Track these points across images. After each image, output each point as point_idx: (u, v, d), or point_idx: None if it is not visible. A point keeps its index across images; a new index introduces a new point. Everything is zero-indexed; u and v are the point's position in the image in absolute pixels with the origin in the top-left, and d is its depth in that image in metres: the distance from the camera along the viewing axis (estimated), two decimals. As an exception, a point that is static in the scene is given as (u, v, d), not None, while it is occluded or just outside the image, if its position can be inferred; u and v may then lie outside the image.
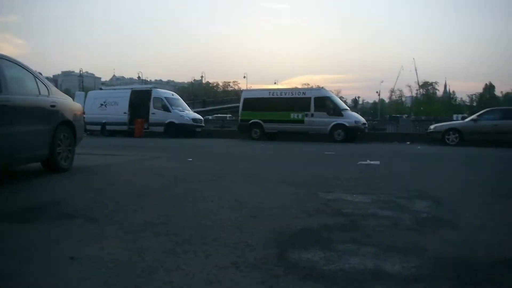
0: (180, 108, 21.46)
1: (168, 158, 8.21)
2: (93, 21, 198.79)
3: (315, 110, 17.34)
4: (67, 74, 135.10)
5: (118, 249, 2.52)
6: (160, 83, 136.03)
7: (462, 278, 2.09)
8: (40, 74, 6.14)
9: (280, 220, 3.22)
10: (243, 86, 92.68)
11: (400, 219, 3.26)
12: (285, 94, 18.49)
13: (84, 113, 6.93)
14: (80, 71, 71.92)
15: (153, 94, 21.49)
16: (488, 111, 15.98)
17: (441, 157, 9.80)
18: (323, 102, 17.53)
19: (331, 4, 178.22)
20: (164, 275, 2.09)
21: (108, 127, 22.31)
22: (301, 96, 18.04)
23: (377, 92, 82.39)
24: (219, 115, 53.21)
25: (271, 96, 18.71)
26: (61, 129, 5.96)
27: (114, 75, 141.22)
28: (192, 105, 49.32)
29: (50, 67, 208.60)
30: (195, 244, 2.61)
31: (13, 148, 4.86)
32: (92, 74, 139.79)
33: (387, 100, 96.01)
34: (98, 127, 22.62)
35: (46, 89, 5.81)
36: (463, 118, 22.18)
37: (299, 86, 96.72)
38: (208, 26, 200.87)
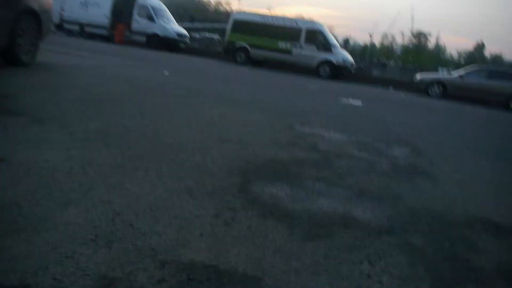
0: (166, 20, 20.25)
1: (143, 68, 7.68)
2: None
3: (305, 42, 16.62)
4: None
5: (59, 156, 2.19)
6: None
7: (436, 234, 1.89)
8: None
9: (249, 148, 2.93)
10: (236, 8, 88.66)
11: (376, 163, 3.03)
12: (277, 21, 17.51)
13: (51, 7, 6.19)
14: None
15: (139, 1, 20.05)
16: (476, 70, 15.68)
17: (424, 107, 9.62)
18: (314, 35, 16.75)
19: None
20: (103, 193, 1.79)
21: (86, 29, 21.01)
22: (292, 26, 17.12)
23: (369, 33, 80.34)
24: (206, 34, 51.10)
25: (262, 21, 17.71)
26: (24, 18, 5.30)
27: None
28: (178, 20, 47.05)
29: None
30: (149, 162, 2.31)
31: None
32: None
33: (378, 45, 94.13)
34: (77, 27, 21.29)
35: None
36: (448, 72, 21.95)
37: (293, 17, 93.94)
38: None
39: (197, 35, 51.11)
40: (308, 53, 16.52)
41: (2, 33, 4.93)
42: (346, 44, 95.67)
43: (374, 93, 11.96)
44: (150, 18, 19.67)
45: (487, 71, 15.20)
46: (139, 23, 19.87)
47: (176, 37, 19.70)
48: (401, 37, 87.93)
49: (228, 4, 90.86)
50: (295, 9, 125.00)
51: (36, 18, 5.58)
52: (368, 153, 3.32)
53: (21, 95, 3.67)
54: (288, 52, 16.80)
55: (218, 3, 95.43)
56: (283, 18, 18.11)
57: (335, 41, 17.83)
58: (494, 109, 13.95)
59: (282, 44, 16.91)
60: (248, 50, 17.60)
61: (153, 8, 19.94)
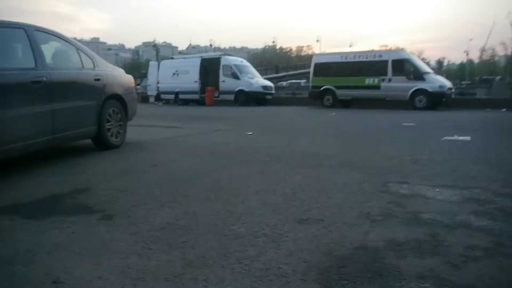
0: (250, 75, 20.89)
1: (228, 131, 7.66)
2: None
3: (393, 74, 15.70)
4: (147, 45, 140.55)
5: (114, 271, 1.95)
6: (233, 50, 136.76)
7: None
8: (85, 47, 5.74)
9: (333, 229, 2.44)
10: (317, 50, 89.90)
11: (507, 236, 2.31)
12: (359, 58, 16.94)
13: (137, 84, 6.53)
14: (154, 41, 73.37)
15: (222, 62, 21.11)
16: None
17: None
18: (401, 65, 15.77)
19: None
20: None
21: (181, 96, 22.52)
22: (376, 59, 16.39)
23: (465, 51, 74.77)
24: (293, 81, 52.04)
25: (343, 60, 17.29)
26: (110, 103, 5.60)
27: (190, 44, 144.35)
28: (264, 72, 48.70)
29: (133, 38, 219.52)
30: (211, 266, 1.96)
31: (55, 126, 4.53)
32: (170, 44, 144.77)
33: (476, 61, 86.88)
34: (172, 96, 22.98)
35: (91, 61, 5.43)
36: None
37: (377, 49, 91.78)
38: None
39: (283, 83, 52.46)
40: (399, 85, 15.53)
41: (91, 121, 5.21)
42: (440, 66, 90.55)
43: (483, 119, 10.55)
44: (235, 76, 20.45)
45: None
46: (225, 82, 20.77)
47: (262, 90, 20.11)
48: (503, 48, 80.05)
49: (309, 47, 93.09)
50: (379, 40, 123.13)
51: (121, 101, 5.87)
52: (492, 218, 2.60)
53: (99, 185, 3.66)
54: (376, 87, 16.00)
55: (299, 49, 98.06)
56: (365, 53, 17.46)
57: (426, 68, 16.59)
58: None
59: (369, 80, 16.20)
60: (334, 92, 17.18)
61: (236, 66, 20.76)
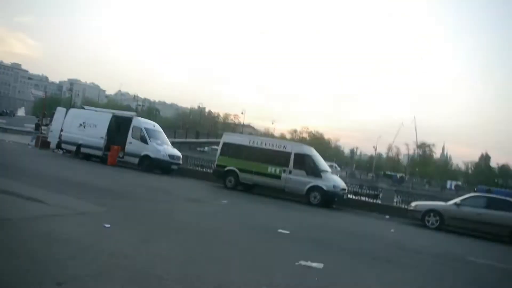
0: (159, 142, 20.44)
1: (90, 217, 7.04)
2: (107, 34, 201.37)
3: (294, 167, 16.25)
4: (73, 82, 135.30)
5: None
6: (163, 104, 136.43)
7: None
8: None
9: None
10: (242, 121, 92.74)
11: None
12: (266, 145, 17.39)
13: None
14: (70, 85, 71.00)
15: (133, 123, 20.53)
16: (473, 196, 14.94)
17: (413, 253, 8.65)
18: (303, 160, 16.44)
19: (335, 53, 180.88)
20: None
21: (83, 149, 21.22)
22: (281, 149, 16.93)
23: (373, 146, 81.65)
24: (215, 147, 52.35)
25: (251, 144, 17.65)
26: None
27: (119, 90, 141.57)
28: (185, 134, 48.66)
29: (58, 72, 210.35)
30: None
31: None
32: (98, 86, 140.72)
33: (384, 155, 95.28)
34: (73, 147, 21.60)
35: None
36: (456, 187, 20.99)
37: (298, 129, 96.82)
38: (216, 56, 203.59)
39: (205, 148, 52.51)
40: (297, 179, 16.05)
41: None
42: (352, 155, 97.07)
43: (357, 231, 11.04)
44: (143, 140, 19.89)
45: (484, 200, 14.35)
46: (132, 144, 20.08)
47: (168, 159, 19.67)
48: (406, 148, 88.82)
49: (236, 116, 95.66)
50: (300, 122, 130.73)
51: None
52: None
53: None
54: (277, 177, 16.38)
55: (227, 116, 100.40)
56: (272, 141, 18.07)
57: (325, 166, 17.46)
58: (494, 243, 12.83)
59: (271, 169, 16.56)
60: (237, 174, 17.29)
61: (147, 130, 20.30)
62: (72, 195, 8.87)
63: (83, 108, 24.21)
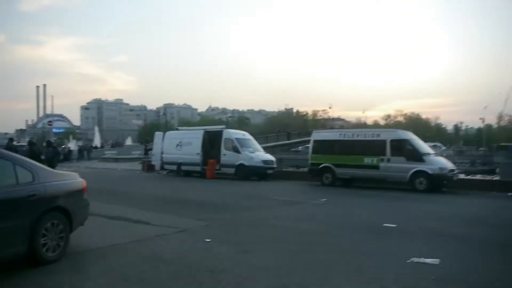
0: (251, 149, 20.79)
1: (191, 233, 7.21)
2: (189, 56, 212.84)
3: (392, 154, 15.26)
4: (168, 106, 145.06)
5: None
6: (251, 112, 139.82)
7: None
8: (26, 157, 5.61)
9: None
10: (333, 113, 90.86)
11: None
12: (357, 136, 16.66)
13: (86, 191, 6.29)
14: (163, 110, 75.39)
15: (224, 135, 21.23)
16: None
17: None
18: (400, 145, 15.37)
19: (424, 22, 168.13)
20: None
21: (183, 167, 22.54)
22: (375, 138, 16.06)
23: (480, 118, 73.92)
24: (308, 145, 51.86)
25: (342, 138, 17.04)
26: (49, 216, 5.34)
27: (209, 106, 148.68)
28: (276, 138, 49.01)
29: (155, 100, 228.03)
30: None
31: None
32: (189, 106, 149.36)
33: (495, 126, 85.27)
34: (175, 167, 22.99)
35: (30, 175, 5.24)
36: None
37: (392, 114, 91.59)
38: (297, 56, 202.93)
39: (299, 148, 52.30)
40: (398, 166, 15.04)
41: (20, 241, 4.91)
42: (457, 131, 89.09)
43: (477, 215, 9.89)
44: (236, 150, 20.39)
45: None
46: (226, 156, 20.72)
47: (262, 164, 19.87)
48: (521, 114, 78.55)
49: (325, 112, 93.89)
50: (393, 105, 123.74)
51: (64, 212, 5.59)
52: None
53: None
54: (375, 167, 15.53)
55: (315, 113, 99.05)
56: (364, 132, 17.19)
57: (426, 148, 16.12)
58: None
59: (367, 160, 15.77)
60: (333, 170, 16.77)
61: (238, 140, 20.77)
62: (174, 213, 9.26)
63: (178, 130, 25.60)
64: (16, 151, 15.95)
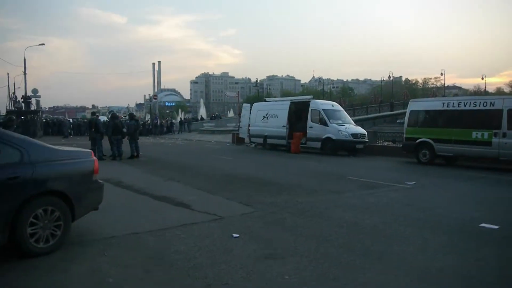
0: (340, 122, 18.90)
1: (226, 223, 6.05)
2: (294, 27, 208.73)
3: (509, 127, 12.25)
4: (271, 78, 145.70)
5: None
6: (356, 83, 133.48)
7: None
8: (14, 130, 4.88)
9: None
10: (447, 81, 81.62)
11: None
12: (465, 105, 13.72)
13: (97, 172, 5.47)
14: (258, 82, 74.69)
15: (311, 106, 19.63)
16: None
17: None
18: (522, 117, 12.25)
19: None
20: None
21: (269, 141, 21.65)
22: (488, 108, 13.01)
23: None
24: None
25: (445, 108, 14.22)
26: (40, 202, 4.61)
27: (313, 77, 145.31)
28: (378, 109, 45.38)
29: (259, 72, 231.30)
30: None
31: None
32: (293, 77, 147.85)
33: None
34: (261, 140, 22.19)
35: (18, 154, 4.51)
36: None
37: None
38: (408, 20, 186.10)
39: (402, 120, 47.92)
40: (517, 142, 12.04)
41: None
42: None
43: None
44: (323, 122, 18.71)
45: None
46: (313, 128, 19.18)
47: (351, 138, 17.91)
48: None
49: (437, 79, 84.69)
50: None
51: (62, 196, 4.82)
52: None
53: None
54: (487, 143, 12.67)
55: (427, 80, 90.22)
56: (474, 99, 14.12)
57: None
58: None
59: (476, 134, 12.94)
60: (432, 146, 14.22)
61: (325, 111, 19.00)
62: (224, 195, 8.21)
63: (265, 101, 24.56)
64: (96, 125, 16.51)
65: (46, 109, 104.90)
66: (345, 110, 22.03)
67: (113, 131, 15.86)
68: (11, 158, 4.49)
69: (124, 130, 16.20)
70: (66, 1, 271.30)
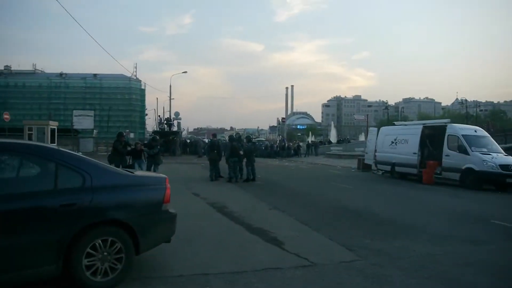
0: (485, 150, 15.94)
1: (305, 277, 4.84)
2: (430, 46, 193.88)
3: None
4: (407, 101, 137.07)
5: None
6: (510, 105, 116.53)
7: None
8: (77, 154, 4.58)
9: None
10: None
11: None
12: None
13: (168, 201, 4.88)
14: (385, 106, 69.66)
15: (448, 131, 17.04)
16: None
17: None
18: None
19: None
20: None
21: (397, 168, 19.50)
22: None
23: None
24: None
25: None
26: (99, 232, 4.21)
27: (456, 99, 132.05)
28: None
29: (394, 95, 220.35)
30: None
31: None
32: (432, 100, 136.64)
33: None
34: (388, 167, 20.19)
35: (80, 178, 4.19)
36: None
37: None
38: None
39: None
40: None
41: (47, 260, 3.90)
42: None
43: None
44: (463, 150, 15.99)
45: None
46: (450, 157, 16.56)
47: (500, 170, 14.84)
48: None
49: None
50: None
51: (125, 227, 4.36)
52: None
53: None
54: None
55: None
56: None
57: None
58: None
59: None
60: None
61: (466, 137, 16.23)
62: (327, 233, 7.03)
63: (394, 124, 22.40)
64: (218, 147, 16.88)
65: (191, 130, 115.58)
66: (494, 136, 18.68)
67: (231, 153, 15.88)
68: (72, 183, 4.19)
69: (241, 152, 16.09)
70: (210, 34, 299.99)
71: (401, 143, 19.35)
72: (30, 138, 28.61)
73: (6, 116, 30.16)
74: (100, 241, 4.19)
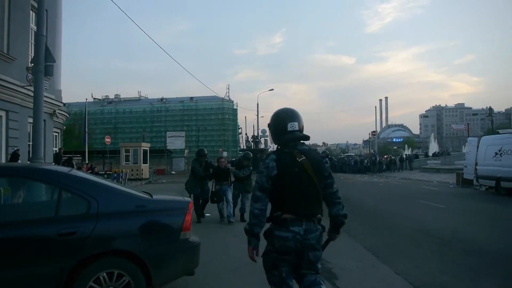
0: None
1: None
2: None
3: None
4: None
5: None
6: None
7: None
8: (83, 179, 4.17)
9: None
10: None
11: None
12: None
13: (188, 229, 4.24)
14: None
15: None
16: None
17: None
18: None
19: None
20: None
21: (503, 184, 16.79)
22: None
23: None
24: None
25: None
26: (103, 263, 3.77)
27: None
28: None
29: (504, 101, 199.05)
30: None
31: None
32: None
33: None
34: (492, 183, 17.54)
35: (85, 204, 3.81)
36: None
37: None
38: None
39: None
40: None
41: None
42: None
43: None
44: None
45: None
46: None
47: None
48: None
49: None
50: None
51: (133, 258, 3.87)
52: None
53: None
54: None
55: None
56: None
57: None
58: None
59: None
60: None
61: None
62: (396, 266, 5.86)
63: (498, 133, 19.51)
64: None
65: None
66: None
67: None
68: (75, 209, 3.83)
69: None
70: (301, 50, 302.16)
71: (508, 154, 16.71)
72: (127, 159, 30.85)
73: (108, 139, 32.83)
74: (104, 273, 3.74)
